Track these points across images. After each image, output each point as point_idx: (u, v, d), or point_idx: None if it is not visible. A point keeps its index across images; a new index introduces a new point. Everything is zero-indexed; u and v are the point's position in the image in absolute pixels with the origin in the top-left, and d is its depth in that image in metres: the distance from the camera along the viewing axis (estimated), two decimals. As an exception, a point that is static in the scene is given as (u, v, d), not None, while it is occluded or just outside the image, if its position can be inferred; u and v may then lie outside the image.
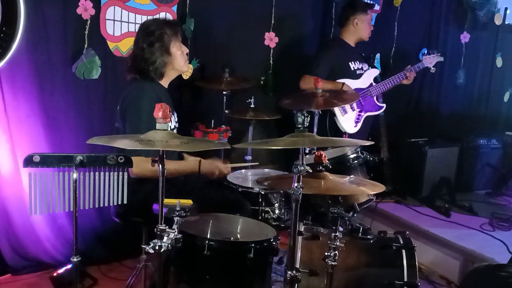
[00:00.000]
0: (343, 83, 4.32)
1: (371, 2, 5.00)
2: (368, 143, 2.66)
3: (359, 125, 4.50)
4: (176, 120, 3.39)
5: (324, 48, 4.68)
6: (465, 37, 5.80)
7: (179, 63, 3.25)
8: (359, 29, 4.54)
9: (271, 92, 4.72)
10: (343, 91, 4.18)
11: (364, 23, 4.53)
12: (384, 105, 4.67)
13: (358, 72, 4.54)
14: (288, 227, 2.50)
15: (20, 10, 3.16)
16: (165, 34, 3.16)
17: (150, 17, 3.88)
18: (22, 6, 3.16)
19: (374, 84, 4.57)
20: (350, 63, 4.51)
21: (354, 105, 4.45)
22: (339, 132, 4.41)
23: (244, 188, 3.43)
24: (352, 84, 4.40)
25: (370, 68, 4.66)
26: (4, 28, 3.11)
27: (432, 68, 4.82)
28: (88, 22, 3.67)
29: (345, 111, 4.40)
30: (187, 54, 3.34)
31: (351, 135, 4.40)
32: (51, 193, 2.38)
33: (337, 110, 4.37)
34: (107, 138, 2.28)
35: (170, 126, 3.25)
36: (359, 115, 4.48)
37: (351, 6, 4.58)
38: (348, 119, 4.43)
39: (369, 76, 4.58)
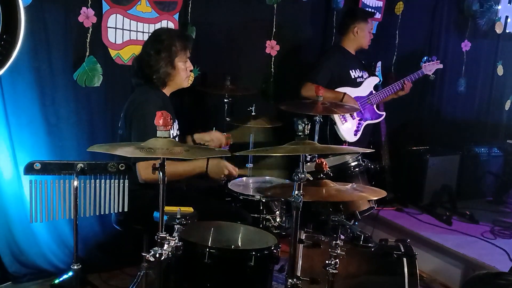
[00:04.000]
0: (344, 93, 4.32)
1: (372, 10, 5.00)
2: (368, 150, 2.67)
3: (359, 133, 4.50)
4: (177, 128, 3.40)
5: (325, 55, 4.68)
6: (466, 45, 5.81)
7: (181, 77, 3.28)
8: (359, 37, 4.53)
9: (272, 100, 4.72)
10: (344, 104, 4.15)
11: (364, 31, 4.53)
12: (384, 113, 4.68)
13: (358, 80, 4.54)
14: (289, 235, 2.50)
15: (21, 18, 3.16)
16: (173, 46, 3.19)
17: (152, 25, 3.90)
18: (22, 14, 3.17)
19: (374, 92, 4.57)
20: (350, 71, 4.51)
21: (354, 113, 4.45)
22: (339, 141, 4.40)
23: (245, 195, 3.42)
24: (352, 92, 4.40)
25: (370, 76, 4.66)
26: (4, 36, 3.12)
27: (431, 75, 4.83)
28: (90, 30, 3.68)
29: (345, 120, 4.41)
30: (191, 71, 3.36)
31: (351, 144, 4.40)
32: (52, 200, 2.38)
33: (337, 118, 4.37)
34: (108, 145, 2.28)
35: (172, 134, 3.26)
36: (359, 123, 4.48)
37: (352, 14, 4.60)
38: (348, 128, 4.43)
39: (369, 84, 4.58)
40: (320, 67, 4.45)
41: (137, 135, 3.01)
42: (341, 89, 4.36)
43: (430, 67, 4.79)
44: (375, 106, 4.58)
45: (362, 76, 4.59)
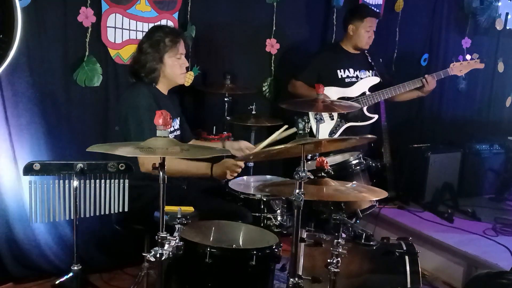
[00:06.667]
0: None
1: (374, 9, 4.84)
2: (370, 137, 2.65)
3: (336, 135, 4.38)
4: (177, 127, 3.39)
5: (314, 54, 4.62)
6: (466, 43, 5.79)
7: (172, 73, 3.25)
8: (354, 37, 4.39)
9: (272, 99, 4.71)
10: (341, 102, 4.02)
11: (360, 30, 4.35)
12: (376, 116, 4.48)
13: (347, 80, 4.41)
14: (290, 234, 2.50)
15: (17, 18, 3.16)
16: (162, 42, 3.18)
17: (151, 25, 3.88)
18: (19, 14, 3.16)
19: (368, 93, 4.40)
20: (338, 71, 4.40)
21: (335, 114, 4.36)
22: None
23: (245, 195, 3.41)
24: (337, 92, 4.33)
25: (372, 76, 4.49)
26: (1, 36, 3.11)
27: (463, 76, 4.60)
28: (89, 29, 3.68)
29: (321, 120, 4.20)
30: (187, 68, 3.34)
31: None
32: (51, 201, 2.38)
33: (311, 116, 4.15)
34: (108, 145, 2.27)
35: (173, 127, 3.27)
36: (338, 125, 4.41)
37: (350, 12, 4.52)
38: (322, 128, 4.28)
39: (363, 84, 4.42)
40: (307, 66, 4.43)
41: (134, 129, 3.03)
42: (327, 89, 4.16)
43: (462, 68, 4.52)
44: (365, 108, 4.40)
45: (356, 76, 4.44)
